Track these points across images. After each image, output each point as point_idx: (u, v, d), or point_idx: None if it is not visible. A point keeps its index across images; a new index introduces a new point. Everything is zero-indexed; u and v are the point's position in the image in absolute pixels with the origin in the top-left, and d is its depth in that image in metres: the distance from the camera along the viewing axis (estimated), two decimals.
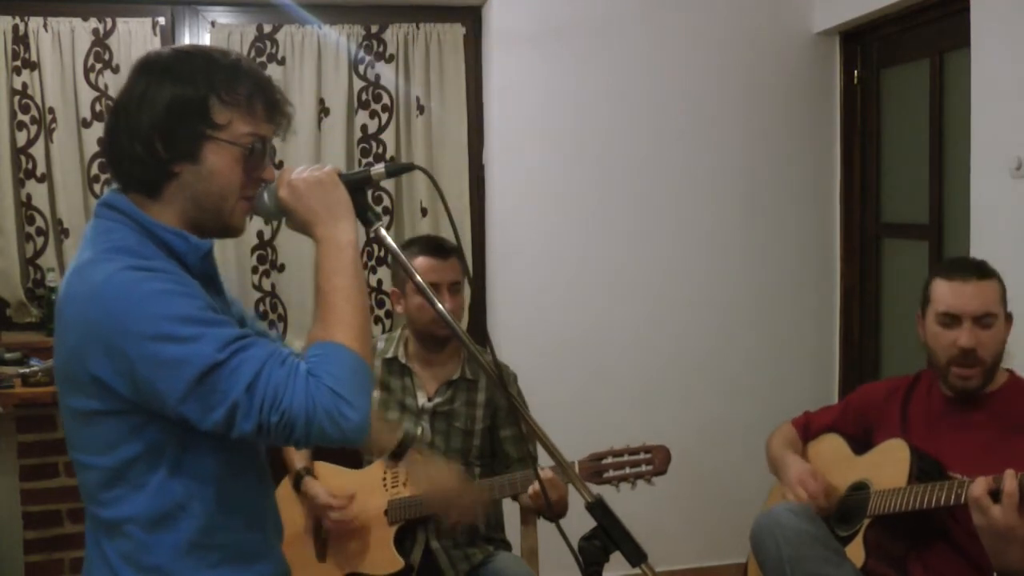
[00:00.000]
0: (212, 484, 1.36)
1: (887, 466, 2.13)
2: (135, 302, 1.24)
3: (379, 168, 1.41)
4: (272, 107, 1.39)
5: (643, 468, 2.30)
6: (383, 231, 1.39)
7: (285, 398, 1.21)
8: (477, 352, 1.41)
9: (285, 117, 1.42)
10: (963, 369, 2.07)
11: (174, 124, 1.32)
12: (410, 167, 1.46)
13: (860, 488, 2.20)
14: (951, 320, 2.07)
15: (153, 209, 1.37)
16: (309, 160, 3.53)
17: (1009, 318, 2.12)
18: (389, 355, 2.58)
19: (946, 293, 2.10)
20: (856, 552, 2.11)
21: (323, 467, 2.54)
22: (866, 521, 2.13)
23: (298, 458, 2.50)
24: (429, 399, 2.55)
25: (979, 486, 1.80)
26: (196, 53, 1.38)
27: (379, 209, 3.66)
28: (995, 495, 1.78)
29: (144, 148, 1.33)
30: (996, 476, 1.80)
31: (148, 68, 1.36)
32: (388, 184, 3.65)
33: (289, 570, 1.55)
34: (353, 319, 1.30)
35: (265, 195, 1.39)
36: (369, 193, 3.42)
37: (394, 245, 1.40)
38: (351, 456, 2.60)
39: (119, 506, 1.34)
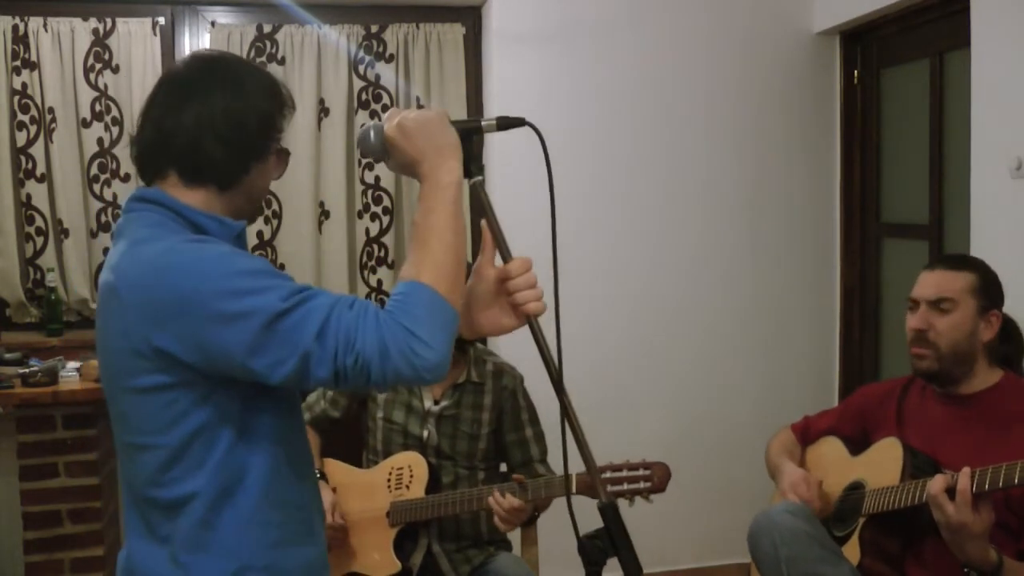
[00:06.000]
0: (268, 458, 1.40)
1: (882, 465, 2.15)
2: (197, 266, 1.29)
3: (490, 119, 1.42)
4: (291, 108, 1.54)
5: (641, 485, 2.27)
6: (481, 188, 1.41)
7: (358, 340, 1.22)
8: (545, 347, 1.39)
9: (293, 112, 1.56)
10: (918, 349, 2.16)
11: (260, 136, 1.45)
12: (522, 122, 1.45)
13: (856, 488, 2.21)
14: (913, 305, 2.19)
15: (186, 196, 1.42)
16: (309, 161, 3.54)
17: (987, 311, 2.11)
18: None
19: (916, 282, 2.21)
20: (852, 551, 2.12)
21: (331, 464, 2.54)
22: (861, 520, 2.14)
23: None
24: (435, 402, 2.55)
25: (937, 483, 1.85)
26: (259, 69, 1.54)
27: (379, 209, 3.65)
28: (951, 492, 1.82)
29: (234, 154, 1.42)
30: (954, 474, 1.84)
31: (224, 82, 1.44)
32: (388, 183, 3.65)
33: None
34: (442, 258, 1.31)
35: (372, 133, 1.38)
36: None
37: (490, 202, 1.40)
38: (350, 455, 2.61)
39: (182, 484, 1.36)
